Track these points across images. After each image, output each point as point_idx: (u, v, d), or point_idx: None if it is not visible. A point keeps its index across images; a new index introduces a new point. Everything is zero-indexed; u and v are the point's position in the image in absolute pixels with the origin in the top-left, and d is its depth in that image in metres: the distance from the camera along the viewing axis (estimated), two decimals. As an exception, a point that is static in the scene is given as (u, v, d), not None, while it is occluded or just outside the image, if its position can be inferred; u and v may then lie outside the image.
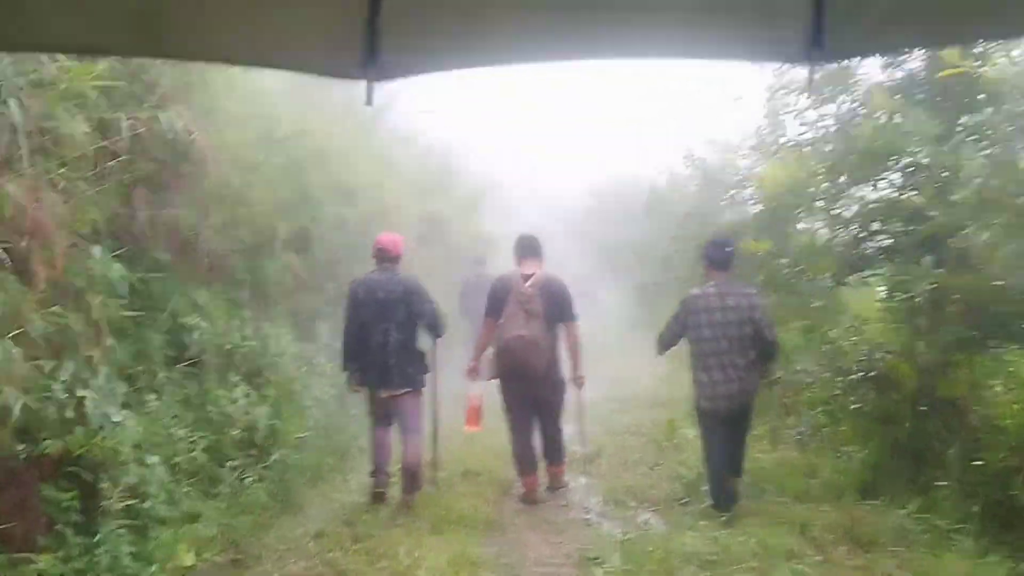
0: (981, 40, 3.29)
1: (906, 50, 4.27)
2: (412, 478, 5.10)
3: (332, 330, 7.13)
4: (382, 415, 5.17)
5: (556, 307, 5.27)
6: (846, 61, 4.96)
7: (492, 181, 15.65)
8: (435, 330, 5.26)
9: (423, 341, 5.30)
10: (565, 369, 5.49)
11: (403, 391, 5.04)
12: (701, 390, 4.79)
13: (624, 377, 10.45)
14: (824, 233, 5.84)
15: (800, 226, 7.07)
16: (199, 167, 4.36)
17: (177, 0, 1.36)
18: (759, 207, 8.84)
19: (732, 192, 9.11)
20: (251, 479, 4.72)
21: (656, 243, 15.69)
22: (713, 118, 11.60)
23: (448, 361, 6.47)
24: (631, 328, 15.20)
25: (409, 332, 5.08)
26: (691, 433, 6.47)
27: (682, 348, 5.07)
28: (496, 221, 15.45)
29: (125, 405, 3.98)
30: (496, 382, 5.38)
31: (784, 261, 5.82)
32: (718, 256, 4.90)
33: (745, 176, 9.25)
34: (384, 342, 4.98)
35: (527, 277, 5.31)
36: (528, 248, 5.48)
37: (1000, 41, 4.26)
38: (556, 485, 5.64)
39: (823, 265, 5.48)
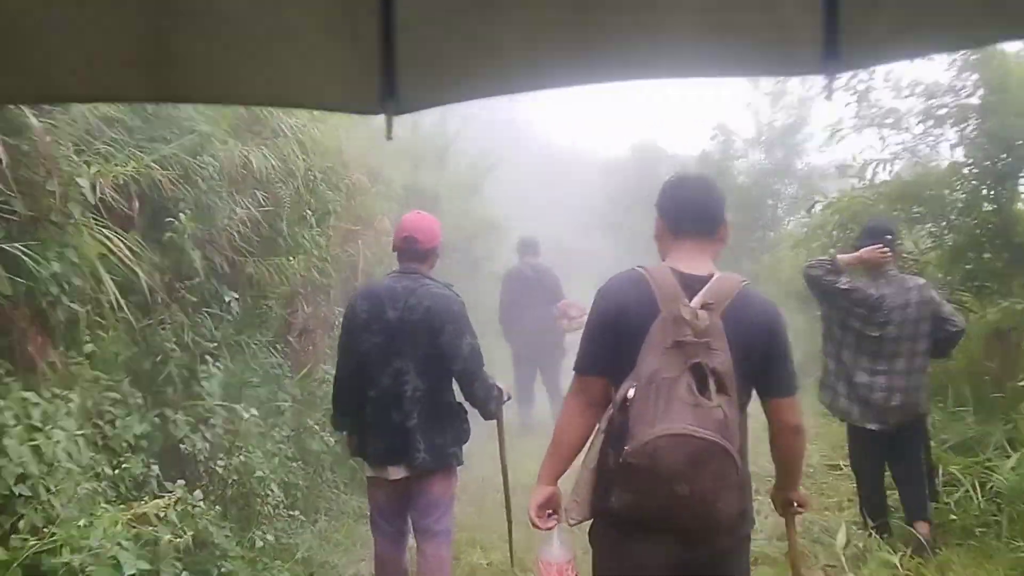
0: (998, 41, 2.57)
1: (922, 56, 3.80)
2: None
3: (192, 388, 3.91)
4: (390, 509, 3.35)
5: (758, 360, 2.06)
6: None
7: (497, 155, 12.34)
8: (468, 390, 3.24)
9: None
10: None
11: (424, 471, 3.21)
12: (868, 395, 4.10)
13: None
14: None
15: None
16: None
17: (187, 43, 1.29)
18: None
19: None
20: None
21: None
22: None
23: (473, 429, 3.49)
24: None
25: (437, 376, 3.22)
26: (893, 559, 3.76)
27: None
28: (500, 204, 12.19)
29: None
30: (596, 531, 2.18)
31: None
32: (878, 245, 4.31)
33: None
34: (396, 390, 3.18)
35: (695, 283, 2.09)
36: (697, 216, 2.22)
37: (1018, 40, 4.10)
38: None
39: None
